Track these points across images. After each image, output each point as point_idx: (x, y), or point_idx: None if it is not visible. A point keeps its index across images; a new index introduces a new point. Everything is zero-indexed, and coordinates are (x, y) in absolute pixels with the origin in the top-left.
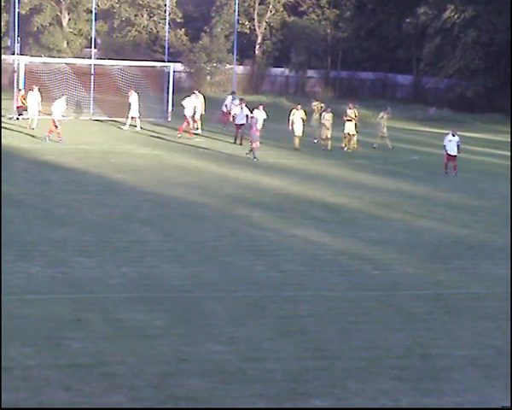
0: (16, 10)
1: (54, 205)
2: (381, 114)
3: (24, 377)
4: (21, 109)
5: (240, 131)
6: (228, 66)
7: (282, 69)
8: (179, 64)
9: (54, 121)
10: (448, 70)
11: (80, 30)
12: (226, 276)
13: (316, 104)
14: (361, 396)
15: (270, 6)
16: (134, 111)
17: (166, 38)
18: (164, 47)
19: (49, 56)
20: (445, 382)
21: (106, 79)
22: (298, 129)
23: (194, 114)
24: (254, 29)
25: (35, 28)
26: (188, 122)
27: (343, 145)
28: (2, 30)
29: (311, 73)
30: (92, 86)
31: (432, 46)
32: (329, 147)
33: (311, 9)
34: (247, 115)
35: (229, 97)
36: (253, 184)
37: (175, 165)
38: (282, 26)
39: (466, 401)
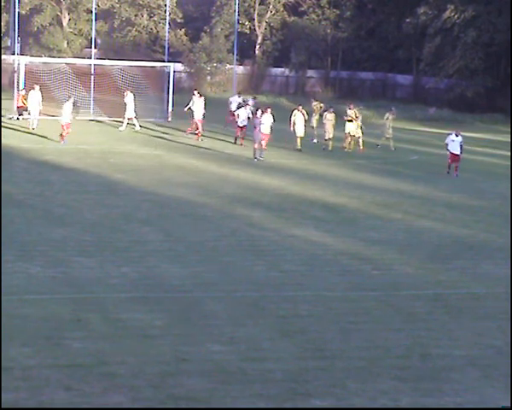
0: (16, 10)
1: (54, 205)
2: (387, 114)
3: (24, 377)
4: (21, 109)
5: (242, 133)
6: (228, 66)
7: (282, 69)
8: (179, 64)
9: (62, 126)
10: (448, 70)
11: (80, 30)
12: (226, 276)
13: (315, 104)
14: (361, 396)
15: (271, 6)
16: (130, 111)
17: (166, 38)
18: (164, 47)
19: (50, 56)
20: (445, 382)
21: (106, 79)
22: (299, 130)
23: (203, 115)
24: (254, 29)
25: (35, 28)
26: (196, 125)
27: (345, 145)
28: (3, 30)
29: (311, 73)
30: (92, 86)
31: (432, 46)
32: (330, 147)
33: (311, 9)
34: (249, 117)
35: (251, 100)
36: (253, 184)
37: (175, 165)
38: (282, 26)
39: (466, 401)
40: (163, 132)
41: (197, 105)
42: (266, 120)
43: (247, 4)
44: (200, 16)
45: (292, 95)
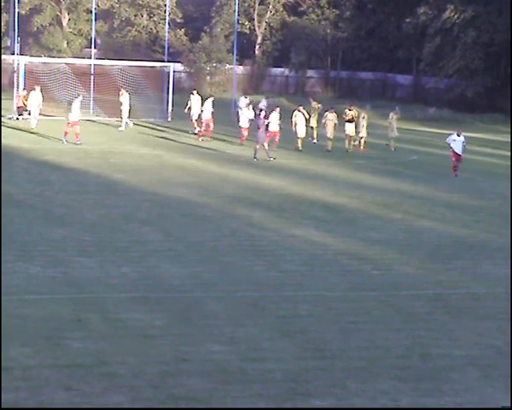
0: (16, 10)
1: (54, 205)
2: (391, 114)
3: (24, 377)
4: (22, 110)
5: (244, 133)
6: (228, 66)
7: (282, 69)
8: (179, 64)
9: (69, 123)
10: (448, 70)
11: (80, 30)
12: (226, 276)
13: (315, 104)
14: (361, 396)
15: (270, 6)
16: (125, 111)
17: (166, 38)
18: (164, 47)
19: (49, 56)
20: (445, 382)
21: (106, 79)
22: (301, 130)
23: (212, 115)
24: (254, 29)
25: (35, 28)
26: (208, 125)
27: (353, 146)
28: (2, 30)
29: (310, 73)
30: (92, 86)
31: (432, 46)
32: (330, 147)
33: (310, 9)
34: (254, 117)
35: (264, 101)
36: (253, 184)
37: (175, 165)
38: (281, 26)
39: (466, 401)
40: (163, 132)
41: (195, 104)
42: (274, 118)
43: (246, 4)
44: (199, 16)
45: (292, 95)
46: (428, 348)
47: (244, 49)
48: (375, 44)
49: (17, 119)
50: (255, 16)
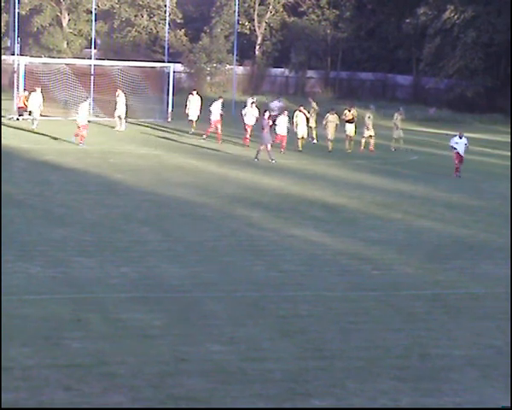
0: (16, 11)
1: (54, 205)
2: (395, 115)
3: (24, 377)
4: (22, 110)
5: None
6: (228, 66)
7: (282, 69)
8: (179, 65)
9: (79, 126)
10: (448, 70)
11: (80, 30)
12: (226, 276)
13: (314, 104)
14: (361, 396)
15: (270, 6)
16: (122, 111)
17: (166, 39)
18: (164, 47)
19: (49, 57)
20: (445, 382)
21: (106, 80)
22: (301, 130)
23: (221, 117)
24: (254, 29)
25: (35, 29)
26: (216, 127)
27: (370, 147)
28: (2, 30)
29: (310, 73)
30: (92, 87)
31: (432, 46)
32: (331, 148)
33: (310, 10)
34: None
35: (277, 102)
36: (253, 184)
37: (174, 165)
38: (281, 27)
39: (465, 401)
40: (163, 133)
41: (193, 104)
42: (283, 122)
43: (246, 5)
44: (199, 17)
45: (292, 95)
46: (428, 348)
47: (244, 50)
48: (375, 45)
49: (17, 119)
50: (255, 17)
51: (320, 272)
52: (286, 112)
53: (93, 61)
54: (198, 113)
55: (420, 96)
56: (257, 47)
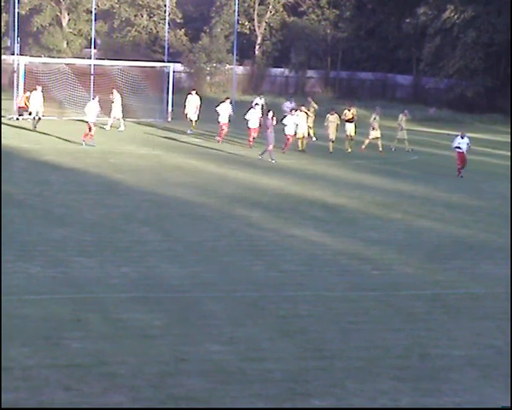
0: (16, 10)
1: (54, 205)
2: (400, 116)
3: (24, 377)
4: (22, 110)
5: (254, 134)
6: (228, 66)
7: (282, 69)
8: (179, 64)
9: (88, 124)
10: (448, 70)
11: (80, 30)
12: (225, 276)
13: (314, 104)
14: (360, 396)
15: (270, 6)
16: (117, 111)
17: (166, 39)
18: (164, 47)
19: (49, 57)
20: (445, 382)
21: (106, 80)
22: (302, 130)
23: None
24: (254, 29)
25: (35, 28)
26: (222, 128)
27: (363, 147)
28: (2, 30)
29: (310, 73)
30: (92, 87)
31: (431, 46)
32: (331, 149)
33: (310, 10)
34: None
35: (289, 103)
36: (252, 184)
37: (174, 165)
38: (281, 27)
39: (465, 401)
40: (163, 132)
41: (192, 103)
42: (290, 122)
43: (246, 4)
44: (199, 16)
45: (292, 95)
46: (428, 348)
47: (244, 50)
48: (375, 44)
49: (17, 119)
50: (255, 16)
51: (320, 272)
52: (293, 111)
53: (93, 61)
54: (197, 113)
55: (420, 96)
56: (257, 47)
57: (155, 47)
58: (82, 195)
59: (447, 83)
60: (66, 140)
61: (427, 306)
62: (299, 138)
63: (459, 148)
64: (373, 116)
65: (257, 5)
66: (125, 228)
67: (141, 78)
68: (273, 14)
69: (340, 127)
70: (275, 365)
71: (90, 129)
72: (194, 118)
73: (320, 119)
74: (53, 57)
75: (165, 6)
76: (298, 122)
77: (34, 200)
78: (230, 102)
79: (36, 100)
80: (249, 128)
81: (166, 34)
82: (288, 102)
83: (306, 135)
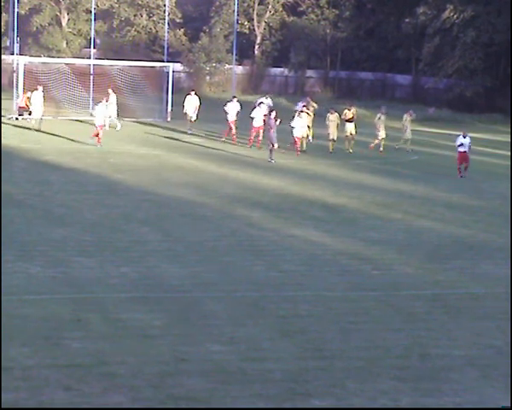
0: (15, 10)
1: (54, 205)
2: (405, 116)
3: (24, 377)
4: (23, 110)
5: (257, 134)
6: (227, 66)
7: (282, 69)
8: (178, 64)
9: (96, 127)
10: (447, 70)
11: (79, 30)
12: (226, 276)
13: (313, 104)
14: (360, 396)
15: (270, 6)
16: (112, 111)
17: (166, 38)
18: (163, 47)
19: (49, 56)
20: (445, 382)
21: (105, 79)
22: (302, 130)
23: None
24: (254, 29)
25: (34, 28)
26: (230, 128)
27: (372, 145)
28: (2, 30)
29: (310, 73)
30: (91, 86)
31: (431, 46)
32: (331, 149)
33: (310, 9)
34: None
35: (300, 103)
36: (253, 184)
37: (174, 165)
38: (281, 26)
39: (465, 401)
40: (162, 132)
41: (190, 103)
42: (298, 123)
43: (246, 4)
44: (199, 16)
45: (291, 95)
46: (428, 348)
47: (243, 49)
48: (375, 44)
49: (16, 119)
50: (254, 16)
51: (320, 272)
52: (302, 113)
53: (92, 61)
54: (196, 113)
55: (419, 96)
56: (256, 47)
57: (155, 47)
58: (82, 195)
59: (446, 83)
60: (66, 140)
61: (427, 306)
62: (299, 138)
63: (462, 145)
64: (378, 115)
65: (256, 5)
66: (124, 228)
67: (140, 77)
68: (272, 14)
69: (340, 127)
70: (275, 365)
71: (97, 133)
72: (194, 117)
73: (320, 118)
74: (52, 57)
75: (165, 6)
76: (303, 123)
77: (34, 200)
78: (238, 101)
79: (37, 100)
80: (253, 126)
81: (166, 34)
82: (301, 103)
83: (305, 136)
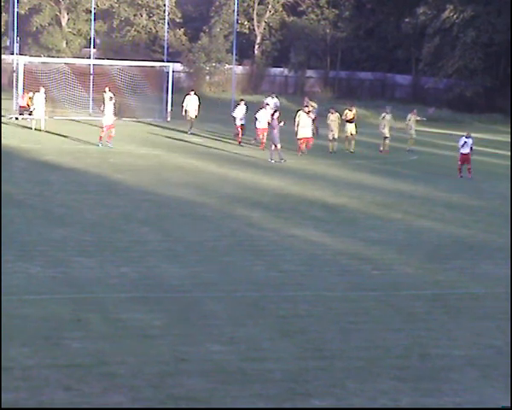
0: (15, 10)
1: (54, 205)
2: (409, 115)
3: (24, 377)
4: (23, 109)
5: (262, 135)
6: (227, 66)
7: (282, 69)
8: (178, 64)
9: (102, 127)
10: (447, 70)
11: (79, 30)
12: (226, 276)
13: (313, 104)
14: (360, 396)
15: (270, 6)
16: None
17: (166, 38)
18: (163, 47)
19: (49, 56)
20: (445, 382)
21: (105, 79)
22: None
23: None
24: (253, 29)
25: (34, 28)
26: (238, 132)
27: (381, 149)
28: (2, 30)
29: (310, 73)
30: (91, 86)
31: (431, 46)
32: (334, 149)
33: (310, 9)
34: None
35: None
36: (253, 184)
37: (174, 165)
38: (281, 26)
39: (465, 401)
40: (162, 132)
41: (190, 104)
42: (307, 123)
43: (246, 4)
44: (199, 16)
45: (291, 95)
46: (428, 348)
47: (243, 49)
48: (375, 44)
49: (16, 118)
50: (254, 16)
51: (320, 272)
52: (310, 113)
53: (92, 61)
54: (196, 113)
55: (419, 96)
56: (256, 46)
57: (155, 47)
58: (82, 195)
59: (446, 83)
60: (65, 140)
61: (427, 306)
62: (299, 139)
63: (464, 146)
64: (382, 115)
65: (256, 5)
66: (124, 228)
67: (140, 77)
68: (272, 14)
69: (341, 127)
70: (275, 365)
71: (102, 130)
72: (193, 117)
73: (320, 118)
74: (52, 57)
75: (165, 6)
76: (300, 123)
77: (34, 200)
78: (246, 105)
79: (39, 101)
80: (256, 128)
81: (166, 34)
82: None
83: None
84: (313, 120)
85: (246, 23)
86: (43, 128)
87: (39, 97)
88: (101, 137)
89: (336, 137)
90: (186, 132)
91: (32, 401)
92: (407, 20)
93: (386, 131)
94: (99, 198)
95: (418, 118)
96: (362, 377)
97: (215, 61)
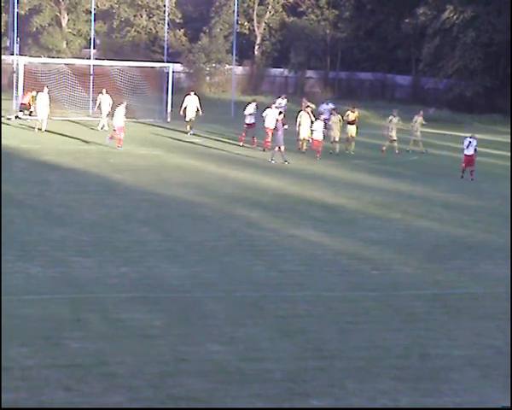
0: (15, 10)
1: (53, 205)
2: (415, 117)
3: (23, 377)
4: (24, 107)
5: (251, 132)
6: (227, 66)
7: (282, 70)
8: (178, 65)
9: (115, 129)
10: (447, 70)
11: (79, 30)
12: (225, 276)
13: (311, 104)
14: (360, 396)
15: (270, 6)
16: (104, 111)
17: (166, 39)
18: (163, 47)
19: (49, 57)
20: (444, 382)
21: (105, 80)
22: (304, 131)
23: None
24: (253, 29)
25: (34, 29)
26: (245, 131)
27: (383, 149)
28: (2, 30)
29: (310, 73)
30: (91, 87)
31: (431, 46)
32: (336, 151)
33: (310, 10)
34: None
35: (324, 104)
36: (252, 184)
37: (174, 165)
38: (281, 27)
39: (465, 401)
40: (162, 132)
41: (190, 105)
42: (318, 126)
43: (246, 5)
44: (199, 17)
45: (291, 95)
46: (427, 348)
47: (243, 50)
48: (375, 45)
49: (15, 117)
50: (254, 17)
51: (319, 272)
52: (322, 116)
53: (92, 61)
54: (195, 113)
55: (419, 97)
56: (256, 47)
57: (155, 47)
58: (81, 195)
59: (446, 83)
60: (65, 140)
61: (427, 306)
62: (300, 139)
63: (469, 148)
64: (389, 118)
65: (256, 5)
66: (124, 228)
67: (140, 78)
68: (272, 15)
69: (342, 128)
70: (274, 365)
71: (115, 132)
72: (192, 118)
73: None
74: (52, 57)
75: (165, 6)
76: (301, 123)
77: (34, 200)
78: (256, 105)
79: (42, 102)
80: (265, 127)
81: (166, 34)
82: (325, 104)
83: (307, 137)
84: (312, 121)
85: (246, 24)
86: (44, 128)
87: (43, 97)
88: (112, 136)
89: (337, 139)
90: (186, 133)
91: (32, 401)
92: (407, 20)
93: (394, 134)
94: (99, 198)
95: (424, 122)
96: (361, 377)
97: (215, 61)
